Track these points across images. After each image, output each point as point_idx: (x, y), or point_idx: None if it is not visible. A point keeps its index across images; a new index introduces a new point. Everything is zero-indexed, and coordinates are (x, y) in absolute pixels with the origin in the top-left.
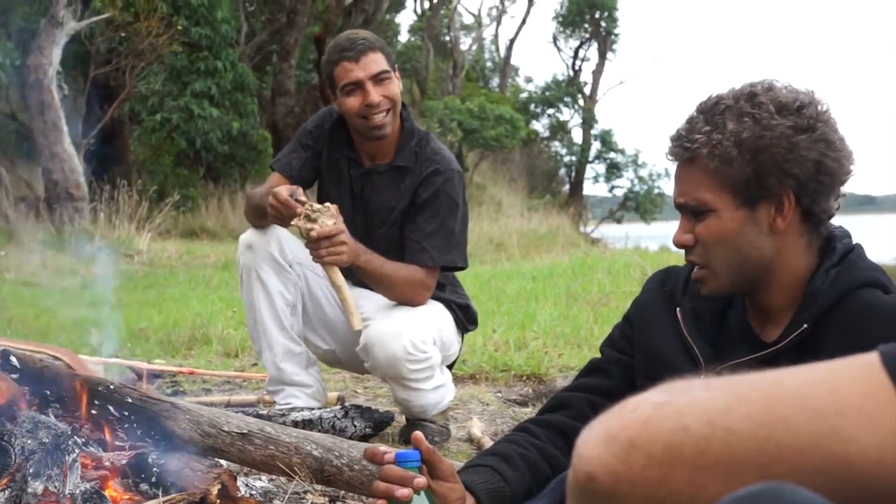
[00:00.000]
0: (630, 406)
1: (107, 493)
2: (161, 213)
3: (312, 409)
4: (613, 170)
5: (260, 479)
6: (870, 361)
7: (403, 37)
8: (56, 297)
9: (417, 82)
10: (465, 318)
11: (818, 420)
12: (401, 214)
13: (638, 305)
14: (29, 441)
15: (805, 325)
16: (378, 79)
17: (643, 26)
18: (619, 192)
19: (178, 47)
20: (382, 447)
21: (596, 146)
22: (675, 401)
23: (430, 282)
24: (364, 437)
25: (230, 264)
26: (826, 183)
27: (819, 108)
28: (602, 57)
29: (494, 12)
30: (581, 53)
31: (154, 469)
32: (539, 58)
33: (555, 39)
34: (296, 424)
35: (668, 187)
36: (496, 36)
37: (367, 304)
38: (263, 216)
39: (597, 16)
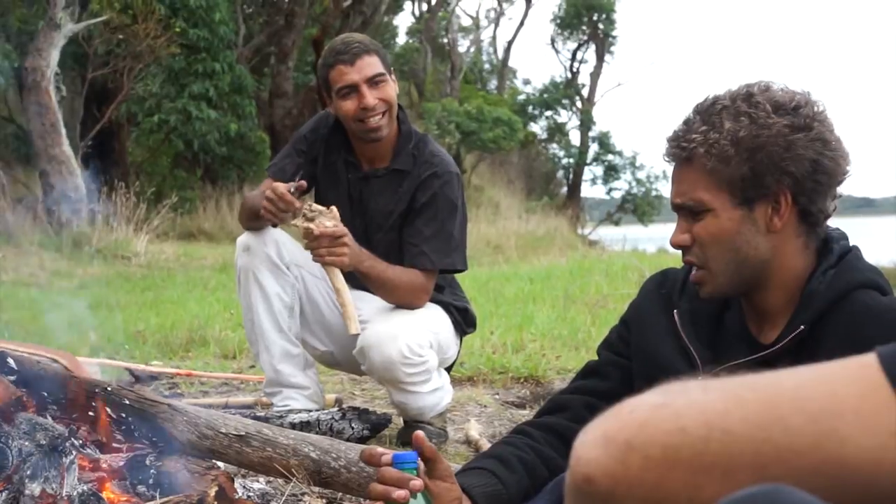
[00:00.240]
0: (627, 408)
1: (104, 494)
2: (159, 215)
3: (310, 410)
4: (611, 172)
5: (257, 481)
6: (867, 363)
7: (401, 39)
8: (54, 298)
9: (415, 84)
10: (464, 321)
11: (816, 421)
12: (399, 218)
13: (635, 308)
14: (26, 443)
15: (802, 327)
16: (373, 82)
17: (641, 28)
18: (617, 195)
19: (176, 49)
20: (379, 449)
21: (594, 148)
22: (672, 402)
23: (429, 285)
24: (361, 439)
25: (228, 266)
26: (823, 182)
27: (815, 108)
28: (600, 59)
29: (492, 14)
30: (579, 55)
31: (151, 471)
32: (537, 60)
33: (553, 41)
34: (293, 426)
35: (665, 189)
36: (494, 38)
37: (364, 307)
38: (257, 218)
39: (595, 18)
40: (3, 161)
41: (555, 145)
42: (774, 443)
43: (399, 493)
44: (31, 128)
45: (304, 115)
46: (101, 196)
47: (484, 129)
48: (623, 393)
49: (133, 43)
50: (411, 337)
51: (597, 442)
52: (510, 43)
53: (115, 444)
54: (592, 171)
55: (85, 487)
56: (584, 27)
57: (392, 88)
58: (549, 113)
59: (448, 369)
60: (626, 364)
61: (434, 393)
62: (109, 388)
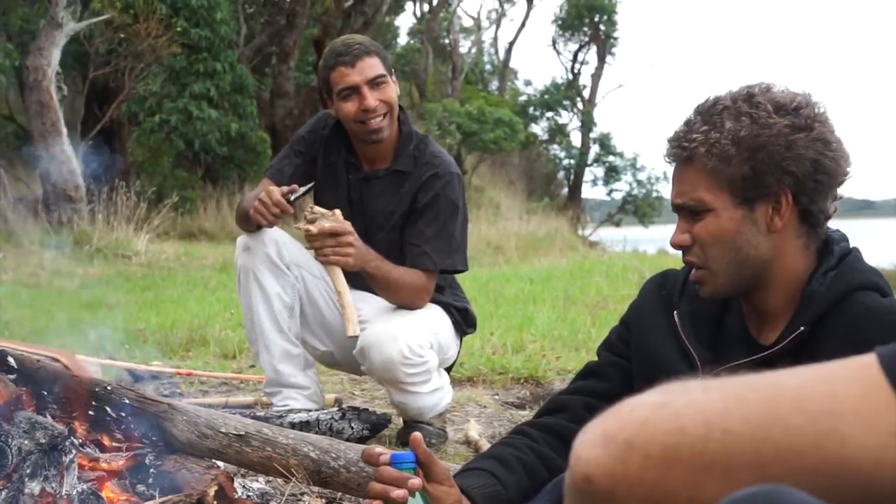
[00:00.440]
0: (627, 407)
1: (104, 494)
2: (159, 215)
3: (310, 410)
4: (612, 173)
5: (257, 481)
6: (867, 363)
7: (403, 39)
8: (54, 298)
9: (417, 85)
10: (464, 322)
11: (816, 421)
12: (400, 219)
13: (635, 309)
14: (26, 442)
15: (802, 328)
16: (374, 83)
17: (642, 30)
18: (618, 196)
19: (178, 49)
20: (379, 449)
21: (595, 149)
22: (672, 402)
23: (430, 285)
24: (361, 439)
25: (228, 266)
26: (824, 182)
27: (816, 109)
28: (601, 60)
29: (494, 15)
30: (580, 57)
31: (151, 470)
32: (538, 61)
33: (554, 43)
34: (293, 426)
35: (666, 191)
36: (495, 39)
37: (364, 307)
38: (249, 220)
39: (596, 19)
40: (4, 160)
41: (556, 146)
42: (774, 442)
43: (397, 493)
44: (31, 127)
45: (305, 115)
46: (101, 195)
47: (485, 129)
48: (623, 394)
49: (134, 42)
50: (411, 337)
51: (597, 441)
52: (511, 44)
53: (114, 444)
54: (593, 172)
55: (84, 486)
56: (585, 28)
57: (393, 90)
58: (550, 114)
59: (448, 370)
60: (625, 365)
61: (434, 393)
62: (109, 388)
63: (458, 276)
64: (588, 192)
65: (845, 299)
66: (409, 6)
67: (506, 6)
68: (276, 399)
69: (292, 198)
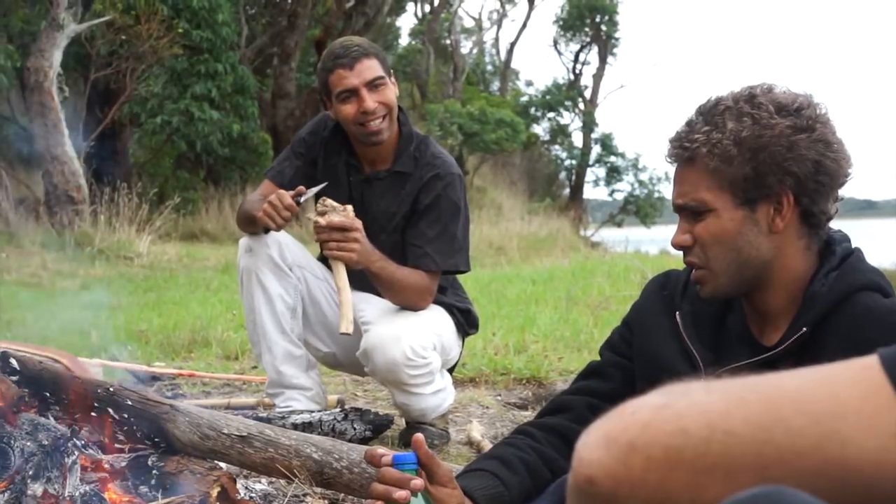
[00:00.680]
0: (630, 409)
1: (106, 495)
2: (161, 216)
3: (312, 411)
4: (614, 173)
5: (259, 482)
6: (869, 364)
7: (404, 40)
8: (56, 299)
9: (418, 86)
10: (466, 323)
11: (817, 423)
12: (402, 220)
13: (637, 309)
14: (28, 443)
15: (804, 329)
16: (373, 85)
17: (644, 30)
18: (620, 196)
19: (179, 50)
20: (381, 449)
21: (596, 150)
22: (674, 403)
23: (433, 286)
24: (364, 440)
25: (230, 267)
26: (825, 183)
27: (818, 109)
28: (602, 61)
29: (495, 16)
30: (581, 57)
31: (153, 471)
32: (540, 61)
33: (555, 43)
34: (295, 427)
35: (668, 191)
36: (497, 39)
37: (367, 308)
38: (254, 223)
39: (597, 20)
40: (6, 161)
41: (557, 147)
42: (776, 444)
43: (400, 494)
44: (33, 128)
45: (306, 116)
46: (103, 197)
47: (486, 130)
48: (625, 394)
49: (136, 44)
50: (414, 339)
51: (599, 443)
52: (513, 44)
53: (117, 445)
54: (595, 172)
55: (87, 488)
56: (586, 29)
57: (392, 91)
58: (551, 114)
59: (450, 370)
60: (628, 365)
61: (436, 394)
62: (112, 389)
63: (461, 277)
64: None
65: (847, 300)
66: (410, 7)
67: (507, 7)
68: (278, 400)
69: (301, 200)
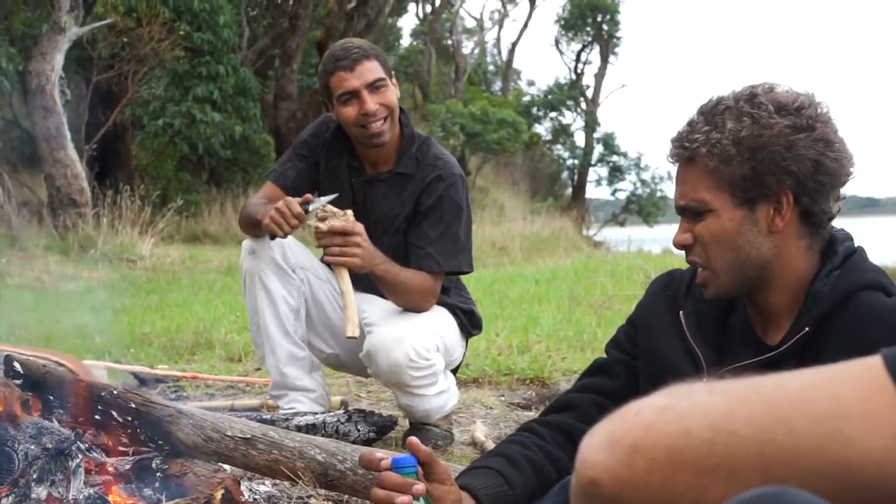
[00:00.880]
0: (633, 410)
1: (110, 498)
2: (164, 218)
3: (316, 413)
4: (616, 173)
5: (263, 484)
6: (872, 364)
7: (405, 41)
8: (59, 302)
9: (419, 86)
10: (470, 323)
11: (820, 423)
12: (404, 221)
13: (642, 309)
14: (32, 446)
15: (807, 329)
16: (374, 87)
17: (645, 30)
18: (622, 196)
19: (181, 52)
20: (378, 453)
21: (598, 149)
22: (677, 405)
23: (436, 287)
24: (367, 442)
25: (233, 269)
26: (825, 183)
27: (818, 109)
28: (604, 60)
29: (496, 16)
30: (583, 57)
31: (157, 474)
32: (541, 61)
33: (557, 43)
34: (299, 429)
35: (670, 190)
36: (498, 39)
37: (370, 310)
38: (257, 226)
39: (599, 19)
40: (9, 164)
41: (559, 146)
42: (779, 445)
43: (402, 500)
44: (35, 131)
45: (308, 118)
46: (106, 199)
47: (488, 130)
48: (631, 392)
49: (137, 46)
50: (417, 340)
51: (602, 445)
52: (514, 44)
53: (120, 448)
54: (597, 172)
55: (91, 491)
56: (588, 28)
57: (393, 93)
58: (553, 114)
59: (454, 371)
60: (633, 363)
61: (440, 395)
62: (115, 392)
63: (464, 277)
64: (592, 192)
65: (849, 299)
66: (411, 7)
67: (508, 7)
68: (282, 402)
69: (310, 208)
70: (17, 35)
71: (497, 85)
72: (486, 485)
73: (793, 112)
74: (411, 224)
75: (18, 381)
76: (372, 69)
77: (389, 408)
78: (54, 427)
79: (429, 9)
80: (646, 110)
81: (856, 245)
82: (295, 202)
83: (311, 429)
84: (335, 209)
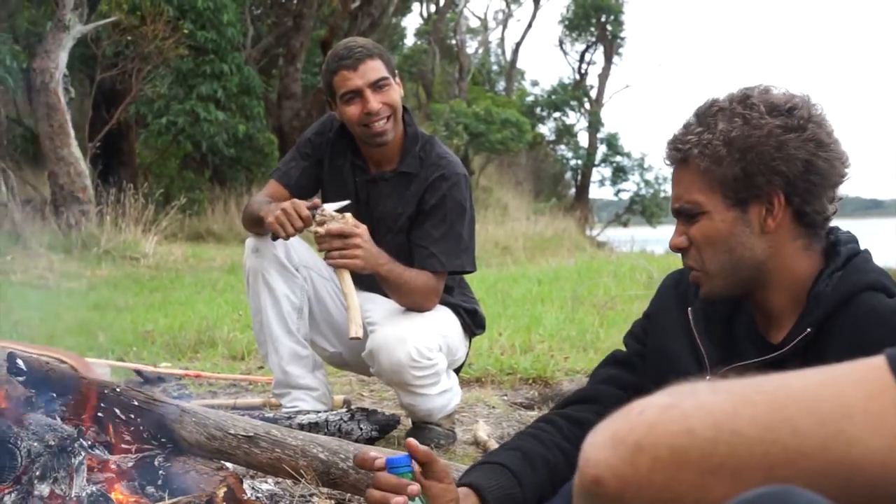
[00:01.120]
0: (636, 409)
1: (113, 495)
2: (167, 217)
3: (318, 412)
4: (619, 173)
5: (266, 482)
6: (876, 365)
7: (409, 40)
8: (62, 300)
9: (423, 86)
10: (473, 323)
11: (824, 423)
12: (407, 221)
13: (654, 304)
14: (35, 444)
15: (809, 329)
16: (377, 86)
17: (649, 30)
18: (625, 196)
19: (185, 51)
20: (372, 452)
21: (602, 150)
22: (681, 404)
23: (439, 287)
24: (370, 440)
25: (236, 267)
26: (816, 183)
27: (812, 110)
28: (608, 61)
29: (500, 16)
30: (587, 57)
31: (160, 472)
32: (545, 61)
33: (561, 43)
34: (302, 427)
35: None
36: (502, 39)
37: (373, 309)
38: (260, 224)
39: (603, 19)
40: (12, 162)
41: (563, 147)
42: (783, 444)
43: (397, 500)
44: (39, 129)
45: (312, 117)
46: (109, 197)
47: (492, 130)
48: (651, 386)
49: (141, 44)
50: (420, 340)
51: (606, 443)
52: (518, 44)
53: (123, 445)
54: (601, 172)
55: (94, 488)
56: (592, 29)
57: (396, 92)
58: (557, 114)
59: (457, 370)
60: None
61: (443, 395)
62: (118, 389)
63: (467, 277)
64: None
65: (851, 300)
66: (415, 7)
67: (512, 7)
68: (284, 400)
69: (317, 213)
70: (21, 33)
71: (501, 85)
72: (495, 486)
73: (784, 113)
74: (414, 223)
75: (21, 379)
76: (375, 68)
77: (392, 407)
78: (57, 424)
79: (433, 8)
80: (649, 111)
81: (861, 247)
82: (303, 206)
83: (313, 427)
84: (334, 213)
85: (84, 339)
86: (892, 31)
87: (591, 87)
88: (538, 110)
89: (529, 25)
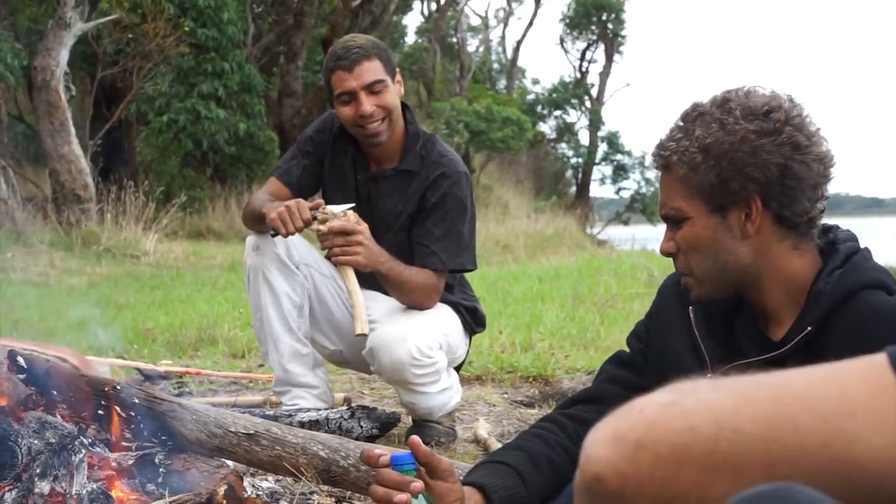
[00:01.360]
0: (637, 406)
1: (113, 493)
2: (168, 215)
3: (319, 409)
4: (620, 171)
5: (266, 480)
6: (877, 362)
7: (410, 38)
8: (63, 297)
9: (424, 84)
10: (473, 321)
11: (826, 421)
12: (408, 219)
13: (656, 303)
14: (36, 441)
15: (809, 328)
16: (371, 89)
17: (650, 28)
18: (626, 194)
19: (185, 49)
20: (378, 449)
21: (603, 148)
22: (682, 401)
23: (440, 285)
24: (370, 438)
25: (237, 265)
26: (792, 187)
27: (790, 112)
28: (609, 59)
29: (501, 14)
30: (588, 55)
31: (160, 469)
32: (546, 60)
33: (562, 41)
34: (302, 425)
35: None
36: (503, 37)
37: (374, 307)
38: (261, 221)
39: (604, 18)
40: (13, 160)
41: (564, 145)
42: (784, 442)
43: (400, 497)
44: (40, 127)
45: (312, 115)
46: (110, 195)
47: (493, 128)
48: (653, 385)
49: (142, 42)
50: (420, 338)
51: (606, 441)
52: (519, 42)
53: (124, 443)
54: (601, 170)
55: (94, 486)
56: (593, 27)
57: (392, 94)
58: (558, 113)
59: (457, 368)
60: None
61: (443, 393)
62: (119, 387)
63: (467, 275)
64: (596, 190)
65: (851, 298)
66: (416, 5)
67: (513, 5)
68: (285, 398)
69: (318, 214)
70: (22, 31)
71: (502, 83)
72: (500, 485)
73: (760, 117)
74: (415, 221)
75: (22, 376)
76: (371, 70)
77: (392, 404)
78: (57, 422)
79: (434, 6)
80: (650, 109)
81: (861, 245)
82: (306, 207)
83: (314, 425)
84: (335, 211)
85: (84, 336)
86: (892, 30)
87: (592, 85)
88: (539, 108)
89: (530, 23)
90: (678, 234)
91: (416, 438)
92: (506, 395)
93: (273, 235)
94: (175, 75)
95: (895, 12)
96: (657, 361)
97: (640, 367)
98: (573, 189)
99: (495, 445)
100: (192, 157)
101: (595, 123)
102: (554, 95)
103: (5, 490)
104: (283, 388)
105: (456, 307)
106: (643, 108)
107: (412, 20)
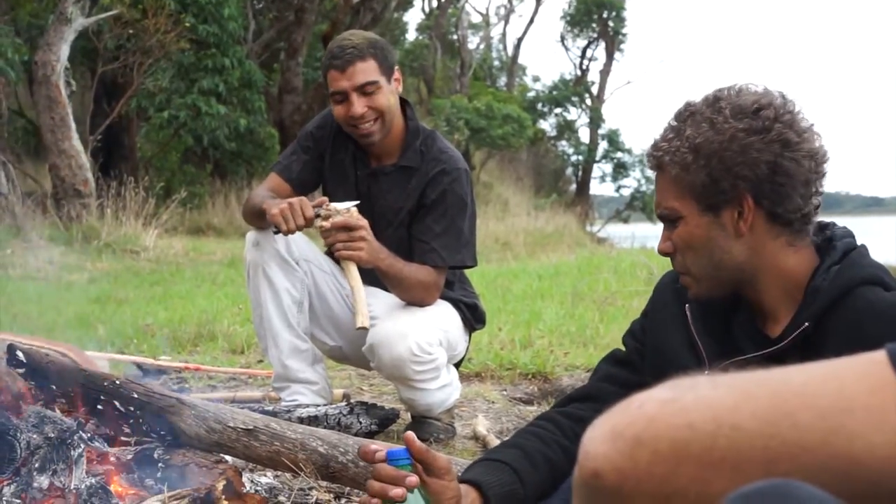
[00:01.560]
0: (636, 403)
1: (112, 488)
2: (168, 210)
3: (318, 405)
4: (620, 169)
5: (265, 475)
6: (877, 359)
7: (411, 35)
8: (63, 293)
9: (425, 81)
10: (473, 318)
11: (825, 417)
12: (408, 215)
13: (652, 301)
14: (34, 436)
15: (807, 324)
16: (363, 90)
17: (651, 26)
18: (626, 192)
19: (186, 44)
20: (374, 445)
21: (603, 146)
22: (681, 398)
23: (440, 281)
24: (369, 434)
25: (237, 261)
26: (783, 184)
27: (781, 109)
28: (609, 56)
29: (502, 11)
30: (589, 53)
31: (159, 464)
32: (547, 57)
33: (562, 39)
34: (301, 421)
35: None
36: (504, 35)
37: (374, 303)
38: (261, 217)
39: (604, 15)
40: (13, 155)
41: (564, 143)
42: (783, 439)
43: (395, 492)
44: (40, 122)
45: (313, 111)
46: (110, 190)
47: (493, 125)
48: (650, 383)
49: (143, 38)
50: (420, 335)
51: (605, 437)
52: (520, 40)
53: (122, 438)
54: (601, 168)
55: (93, 480)
56: (593, 25)
57: (385, 95)
58: (558, 110)
59: (457, 365)
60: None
61: (442, 389)
62: (118, 382)
63: (467, 272)
64: (596, 188)
65: (848, 294)
66: (417, 2)
67: (514, 2)
68: (284, 394)
69: (321, 212)
70: (22, 26)
71: (502, 80)
72: (496, 482)
73: (750, 115)
74: (415, 218)
75: (21, 371)
76: (365, 70)
77: (391, 401)
78: (56, 416)
79: (435, 3)
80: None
81: (857, 242)
82: (309, 205)
83: (313, 421)
84: (338, 207)
85: (84, 331)
86: (892, 29)
87: (593, 83)
88: (539, 106)
89: (531, 21)
90: (674, 234)
91: (410, 434)
92: (505, 392)
93: (275, 233)
94: (175, 71)
95: (895, 12)
96: (654, 359)
97: (637, 365)
98: (573, 187)
99: (494, 442)
100: (193, 152)
101: (595, 121)
102: (554, 93)
103: (4, 484)
104: (282, 383)
105: (456, 304)
106: (643, 106)
107: (413, 17)
